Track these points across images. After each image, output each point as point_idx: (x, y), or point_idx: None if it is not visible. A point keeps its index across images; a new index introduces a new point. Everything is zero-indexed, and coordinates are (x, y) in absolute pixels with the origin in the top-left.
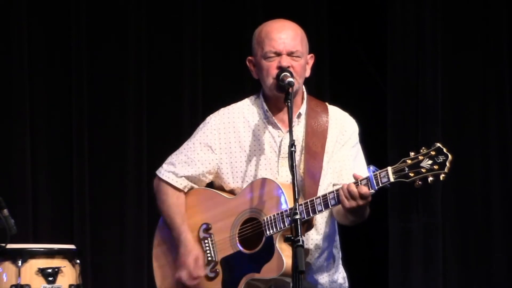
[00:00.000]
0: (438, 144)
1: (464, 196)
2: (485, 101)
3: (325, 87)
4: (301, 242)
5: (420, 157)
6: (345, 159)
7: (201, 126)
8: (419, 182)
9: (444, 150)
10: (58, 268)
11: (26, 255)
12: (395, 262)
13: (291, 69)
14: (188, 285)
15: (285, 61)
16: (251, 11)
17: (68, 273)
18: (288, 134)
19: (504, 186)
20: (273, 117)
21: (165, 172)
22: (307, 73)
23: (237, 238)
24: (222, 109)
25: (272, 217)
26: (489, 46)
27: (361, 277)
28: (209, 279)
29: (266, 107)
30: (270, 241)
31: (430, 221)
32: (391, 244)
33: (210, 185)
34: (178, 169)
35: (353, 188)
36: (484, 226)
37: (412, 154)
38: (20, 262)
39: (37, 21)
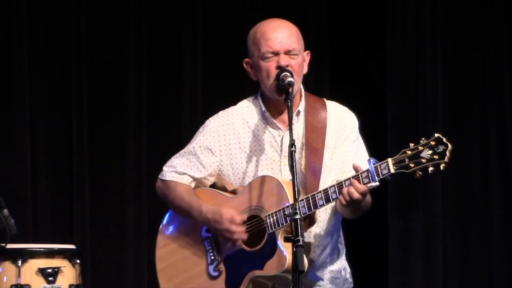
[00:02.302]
0: (438, 134)
1: (464, 196)
2: (485, 101)
3: (325, 87)
4: (301, 242)
5: (420, 148)
6: (347, 155)
7: (200, 129)
8: (420, 173)
9: (444, 139)
10: (58, 268)
11: (26, 255)
12: (395, 262)
13: (289, 68)
14: (234, 232)
15: (284, 60)
16: (251, 11)
17: (68, 273)
18: (288, 132)
19: (504, 186)
20: (272, 118)
21: (167, 173)
22: (305, 70)
23: None
24: (221, 112)
25: (273, 214)
26: (489, 46)
27: (361, 276)
28: (213, 278)
29: (264, 108)
30: (273, 237)
31: (430, 221)
32: (391, 244)
33: (212, 185)
34: (179, 169)
35: (353, 191)
36: (484, 226)
37: (412, 145)
38: (20, 262)
39: (37, 21)
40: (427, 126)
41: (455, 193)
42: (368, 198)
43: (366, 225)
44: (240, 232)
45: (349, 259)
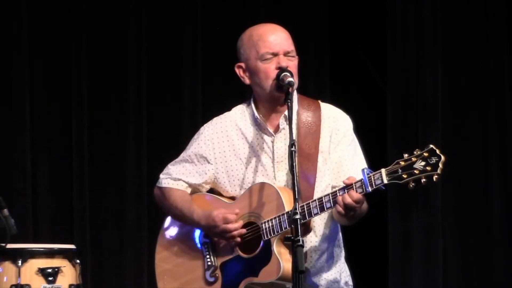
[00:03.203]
0: (431, 146)
1: (464, 196)
2: (485, 101)
3: (325, 87)
4: (301, 242)
5: (413, 159)
6: (341, 159)
7: (195, 136)
8: (412, 184)
9: (437, 151)
10: (58, 268)
11: (26, 255)
12: (395, 262)
13: (289, 69)
14: (232, 231)
15: (284, 61)
16: (251, 11)
17: (68, 273)
18: (279, 137)
19: (504, 186)
20: (264, 123)
21: (163, 180)
22: None
23: None
24: (215, 118)
25: (270, 221)
26: (489, 46)
27: (361, 277)
28: (209, 283)
29: (256, 114)
30: (268, 245)
31: (430, 221)
32: (391, 244)
33: (210, 190)
34: (174, 176)
35: (349, 200)
36: (484, 226)
37: (405, 155)
38: (20, 262)
39: (37, 20)
40: (427, 126)
41: (455, 193)
42: (364, 204)
43: (366, 225)
44: (236, 228)
45: (349, 260)
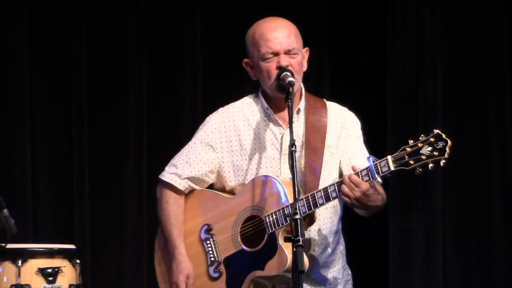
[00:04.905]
0: (437, 130)
1: (464, 196)
2: (485, 101)
3: (325, 87)
4: (301, 242)
5: (420, 144)
6: (353, 151)
7: (201, 126)
8: (420, 170)
9: (443, 135)
10: (58, 268)
11: (26, 255)
12: (395, 262)
13: (290, 68)
14: None
15: (284, 61)
16: (252, 10)
17: (68, 273)
18: (289, 130)
19: (504, 185)
20: (274, 114)
21: (167, 174)
22: (305, 67)
23: (239, 237)
24: (221, 108)
25: (273, 214)
26: (489, 46)
27: (361, 276)
28: (213, 279)
29: (266, 105)
30: (273, 237)
31: (430, 220)
32: (391, 244)
33: (211, 186)
34: (180, 170)
35: (355, 178)
36: (484, 226)
37: (411, 141)
38: (20, 262)
39: (37, 21)
40: (427, 126)
41: (455, 193)
42: (382, 193)
43: (366, 225)
44: None
45: (349, 259)
